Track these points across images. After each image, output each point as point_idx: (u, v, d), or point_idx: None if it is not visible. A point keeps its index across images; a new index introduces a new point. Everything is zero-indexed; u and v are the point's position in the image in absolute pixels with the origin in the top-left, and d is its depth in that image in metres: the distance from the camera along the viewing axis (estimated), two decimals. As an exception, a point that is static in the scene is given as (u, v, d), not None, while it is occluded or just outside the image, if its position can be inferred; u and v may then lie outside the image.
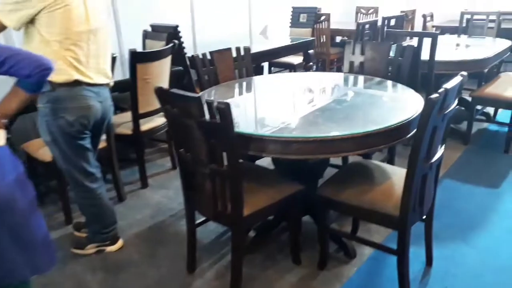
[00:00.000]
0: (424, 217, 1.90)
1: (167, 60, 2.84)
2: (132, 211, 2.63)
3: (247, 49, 2.74)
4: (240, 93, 2.37)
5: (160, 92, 1.72)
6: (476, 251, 2.13)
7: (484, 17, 4.50)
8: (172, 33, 3.46)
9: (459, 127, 3.78)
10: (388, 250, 1.81)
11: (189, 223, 1.97)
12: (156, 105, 2.82)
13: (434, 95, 1.42)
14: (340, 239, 2.15)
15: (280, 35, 5.33)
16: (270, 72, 5.28)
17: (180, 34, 3.50)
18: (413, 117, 1.75)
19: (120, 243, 2.25)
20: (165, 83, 2.89)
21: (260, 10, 5.36)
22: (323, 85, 2.37)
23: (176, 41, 2.93)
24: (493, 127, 3.89)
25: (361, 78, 2.54)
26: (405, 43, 3.30)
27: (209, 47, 2.60)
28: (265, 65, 5.28)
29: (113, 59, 2.36)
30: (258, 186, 1.86)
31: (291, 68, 4.98)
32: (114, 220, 2.21)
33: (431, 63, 3.00)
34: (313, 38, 4.74)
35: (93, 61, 1.91)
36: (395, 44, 2.69)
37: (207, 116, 1.54)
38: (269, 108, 2.05)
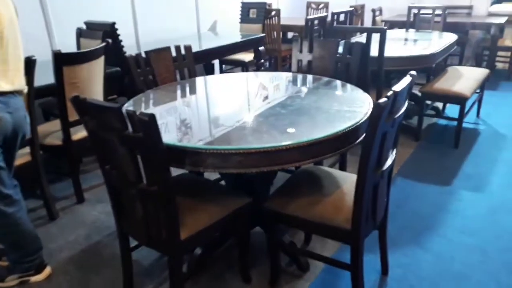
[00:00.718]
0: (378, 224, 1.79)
1: (99, 62, 2.57)
2: (64, 232, 2.35)
3: (188, 48, 2.53)
4: (177, 97, 2.16)
5: (76, 102, 1.49)
6: (432, 256, 2.06)
7: (430, 11, 4.52)
8: (108, 31, 3.18)
9: (410, 122, 3.77)
10: (341, 266, 1.68)
11: (122, 249, 1.75)
12: (89, 111, 2.56)
13: (382, 100, 1.29)
14: (292, 252, 2.01)
15: (230, 31, 5.13)
16: (221, 70, 5.09)
17: (119, 32, 3.22)
18: (361, 121, 1.62)
19: (47, 271, 1.99)
20: (98, 86, 2.63)
21: (208, 5, 5.13)
22: (267, 87, 2.22)
23: (110, 40, 2.67)
24: (442, 121, 3.91)
25: (308, 77, 2.40)
26: (354, 39, 3.22)
27: (154, 46, 2.37)
28: (216, 62, 5.08)
29: (32, 63, 2.09)
30: (198, 203, 1.67)
31: (243, 65, 4.81)
32: (38, 247, 1.94)
33: (381, 59, 2.92)
34: (263, 34, 4.58)
35: (-1, 67, 1.65)
36: (344, 41, 2.58)
37: (130, 129, 1.34)
38: (206, 115, 1.86)
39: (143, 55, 2.31)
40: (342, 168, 2.56)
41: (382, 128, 1.36)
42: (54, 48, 3.50)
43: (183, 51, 2.52)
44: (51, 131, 2.54)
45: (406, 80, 1.46)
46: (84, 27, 3.39)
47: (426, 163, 3.08)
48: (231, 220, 1.68)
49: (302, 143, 1.46)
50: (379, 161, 1.49)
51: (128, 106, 1.94)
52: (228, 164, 1.46)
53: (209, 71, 5.04)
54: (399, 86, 1.40)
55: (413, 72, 1.55)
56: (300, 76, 2.45)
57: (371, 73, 2.95)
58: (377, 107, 1.29)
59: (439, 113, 3.96)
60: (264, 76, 2.51)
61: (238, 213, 1.70)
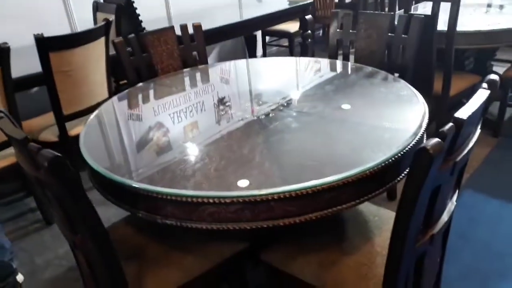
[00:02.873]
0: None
1: (98, 45, 2.18)
2: (56, 241, 2.07)
3: (197, 28, 2.05)
4: (168, 99, 1.71)
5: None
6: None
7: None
8: (122, 4, 2.79)
9: (487, 112, 3.01)
10: None
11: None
12: (87, 102, 2.22)
13: (433, 143, 0.74)
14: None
15: (276, -3, 4.52)
16: (264, 43, 4.53)
17: (144, 3, 2.81)
18: (405, 150, 1.07)
19: (22, 297, 1.72)
20: (98, 75, 2.25)
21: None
22: (277, 84, 1.67)
23: (111, 19, 2.25)
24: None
25: (341, 67, 1.83)
26: (419, 8, 2.52)
27: (189, 20, 1.97)
28: (259, 34, 4.54)
29: (5, 52, 1.76)
30: (171, 253, 1.24)
31: (288, 37, 4.24)
32: (5, 273, 1.66)
33: (451, 35, 2.22)
34: (311, 0, 3.93)
35: None
36: (399, 15, 1.93)
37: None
38: (182, 130, 1.37)
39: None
40: (391, 195, 1.99)
41: (432, 183, 0.81)
42: (73, 25, 3.18)
43: (190, 31, 2.04)
44: (44, 126, 2.23)
45: (478, 98, 0.88)
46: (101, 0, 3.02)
47: (507, 169, 2.39)
48: (221, 272, 1.25)
49: (308, 188, 0.95)
50: (428, 222, 0.94)
51: (96, 114, 1.54)
52: (195, 217, 1.00)
53: (251, 43, 4.52)
54: (467, 111, 0.83)
55: (495, 77, 0.96)
56: (329, 65, 1.87)
57: (437, 53, 2.28)
58: (423, 155, 0.74)
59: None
60: (282, 63, 1.97)
61: (228, 264, 1.25)
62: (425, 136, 1.19)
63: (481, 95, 0.89)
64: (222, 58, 4.37)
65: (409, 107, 1.32)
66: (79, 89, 2.16)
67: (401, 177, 1.10)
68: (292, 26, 4.16)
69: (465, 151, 0.88)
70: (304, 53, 4.10)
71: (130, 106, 1.64)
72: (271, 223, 0.98)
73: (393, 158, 1.04)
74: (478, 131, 0.95)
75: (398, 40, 1.83)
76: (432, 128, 2.41)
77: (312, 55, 4.62)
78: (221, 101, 1.56)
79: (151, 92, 1.76)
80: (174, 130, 1.35)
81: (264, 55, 4.57)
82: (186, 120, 1.41)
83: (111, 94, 2.34)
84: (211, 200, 0.95)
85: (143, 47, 1.89)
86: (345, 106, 1.38)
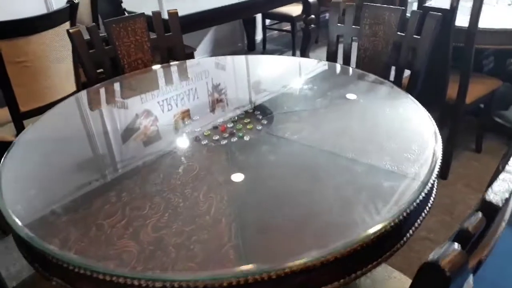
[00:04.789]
0: None
1: (62, 31, 1.88)
2: (10, 253, 1.85)
3: (173, 15, 1.75)
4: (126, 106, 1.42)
5: None
6: None
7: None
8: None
9: (503, 115, 2.70)
10: None
11: None
12: (50, 97, 1.94)
13: (450, 255, 0.47)
14: None
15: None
16: (264, 26, 4.20)
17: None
18: (412, 207, 0.80)
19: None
20: (64, 65, 1.96)
21: None
22: (257, 95, 1.37)
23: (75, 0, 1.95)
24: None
25: (338, 73, 1.54)
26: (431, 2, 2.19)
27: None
28: (258, 17, 4.19)
29: None
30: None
31: (290, 21, 3.90)
32: None
33: (471, 33, 1.90)
34: (316, -19, 3.58)
35: None
36: (415, 10, 1.61)
37: None
38: (114, 160, 1.08)
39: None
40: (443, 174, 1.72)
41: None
42: (49, 6, 2.87)
43: (165, 17, 1.74)
44: (4, 122, 1.97)
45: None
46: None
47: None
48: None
49: (284, 271, 0.69)
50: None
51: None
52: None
53: (250, 27, 4.19)
54: (502, 188, 0.55)
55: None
56: (323, 70, 1.57)
57: (453, 52, 1.96)
58: (436, 277, 0.47)
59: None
60: (267, 66, 1.67)
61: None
62: (435, 184, 0.92)
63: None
64: (218, 43, 4.05)
65: (418, 138, 1.04)
66: (39, 82, 1.88)
67: (404, 240, 0.84)
68: (295, 9, 3.82)
69: (493, 242, 0.61)
70: (305, 39, 3.77)
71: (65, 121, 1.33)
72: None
73: (392, 224, 0.77)
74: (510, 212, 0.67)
75: (408, 41, 1.53)
76: (444, 135, 2.13)
77: (316, 42, 4.29)
78: (187, 116, 1.28)
79: (102, 97, 1.48)
80: (107, 157, 1.09)
81: (264, 39, 4.24)
82: (125, 145, 1.14)
83: (79, 87, 2.07)
84: (136, 283, 0.69)
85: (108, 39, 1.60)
86: (337, 133, 1.10)
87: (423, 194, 0.85)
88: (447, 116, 2.13)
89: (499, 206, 0.52)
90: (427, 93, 2.13)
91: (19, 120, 1.88)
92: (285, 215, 0.81)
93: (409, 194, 0.84)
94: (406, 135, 1.05)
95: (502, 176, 0.57)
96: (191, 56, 2.97)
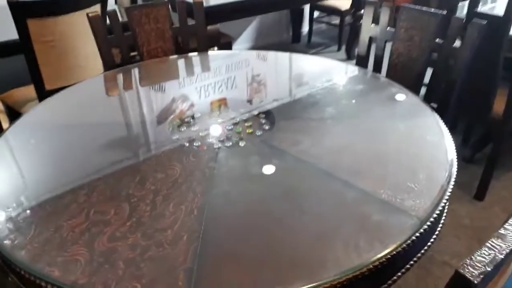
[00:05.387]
0: None
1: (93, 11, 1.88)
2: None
3: (198, 4, 1.68)
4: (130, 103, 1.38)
5: None
6: None
7: None
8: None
9: None
10: None
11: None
12: (75, 77, 1.96)
13: None
14: None
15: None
16: (311, 18, 4.04)
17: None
18: (415, 237, 0.70)
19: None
20: (91, 47, 1.96)
21: None
22: (259, 102, 1.27)
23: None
24: None
25: (363, 83, 1.40)
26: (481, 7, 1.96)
27: None
28: (306, 8, 4.04)
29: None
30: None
31: (338, 15, 3.73)
32: None
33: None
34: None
35: None
36: (456, 17, 1.44)
37: None
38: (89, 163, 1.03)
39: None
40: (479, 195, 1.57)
41: None
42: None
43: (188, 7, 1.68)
44: (25, 100, 2.02)
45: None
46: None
47: None
48: None
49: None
50: None
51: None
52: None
53: (297, 19, 4.05)
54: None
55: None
56: (348, 78, 1.44)
57: (503, 62, 1.75)
58: None
59: None
60: (284, 67, 1.56)
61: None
62: (439, 224, 0.79)
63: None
64: (262, 33, 3.95)
65: (428, 166, 0.91)
66: (65, 62, 1.90)
67: (400, 274, 0.73)
68: (345, 4, 3.65)
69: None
70: (352, 35, 3.60)
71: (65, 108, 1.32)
72: None
73: (372, 267, 0.67)
74: None
75: (445, 50, 1.36)
76: (487, 150, 1.92)
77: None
78: (190, 117, 1.22)
79: (102, 86, 1.45)
80: (87, 151, 1.05)
81: (310, 32, 4.09)
82: (113, 140, 1.10)
83: (107, 68, 2.08)
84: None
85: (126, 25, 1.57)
86: (338, 150, 0.99)
87: (417, 234, 0.73)
88: (491, 133, 1.93)
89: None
90: (471, 107, 1.93)
91: (44, 98, 1.91)
92: (252, 243, 0.73)
93: (399, 232, 0.72)
94: (415, 161, 0.93)
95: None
96: (228, 45, 2.91)
